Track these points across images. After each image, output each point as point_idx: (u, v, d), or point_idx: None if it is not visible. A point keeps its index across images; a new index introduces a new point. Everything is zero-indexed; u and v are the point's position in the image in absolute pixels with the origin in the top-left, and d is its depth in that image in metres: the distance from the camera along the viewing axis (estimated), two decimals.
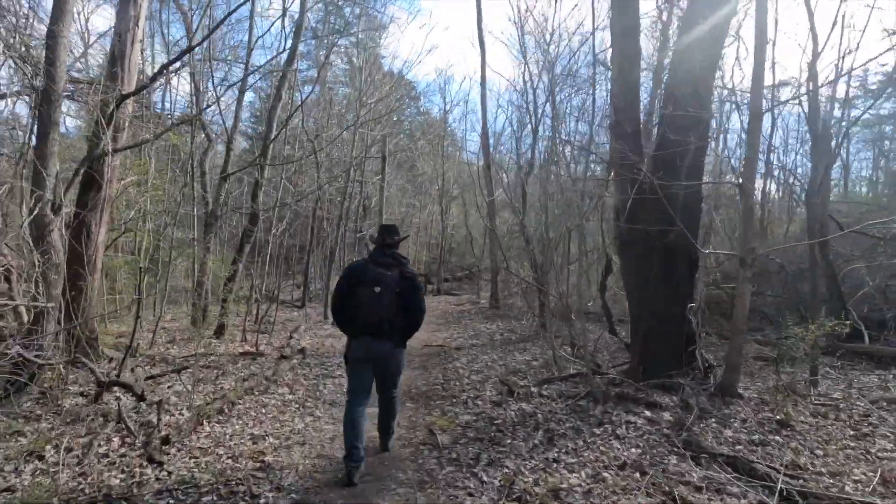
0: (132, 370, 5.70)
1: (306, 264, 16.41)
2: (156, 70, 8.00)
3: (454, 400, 5.43)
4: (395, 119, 17.15)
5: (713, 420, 4.13)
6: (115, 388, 4.71)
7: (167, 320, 11.14)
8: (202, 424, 4.20)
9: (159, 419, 3.94)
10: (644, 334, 5.18)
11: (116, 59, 6.09)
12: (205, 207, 9.44)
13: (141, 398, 4.36)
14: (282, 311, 15.78)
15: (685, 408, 4.32)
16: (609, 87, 7.36)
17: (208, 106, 8.93)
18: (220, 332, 9.32)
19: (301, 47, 27.99)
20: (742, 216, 4.49)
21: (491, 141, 13.45)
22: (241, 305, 13.89)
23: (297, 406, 5.16)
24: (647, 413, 4.33)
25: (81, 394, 4.90)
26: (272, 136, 9.12)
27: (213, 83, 9.46)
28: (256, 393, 5.48)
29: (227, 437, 4.11)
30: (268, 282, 21.53)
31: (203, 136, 10.43)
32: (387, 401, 3.69)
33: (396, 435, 4.06)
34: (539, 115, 9.58)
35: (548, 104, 9.88)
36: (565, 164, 7.68)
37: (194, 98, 9.47)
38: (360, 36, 14.94)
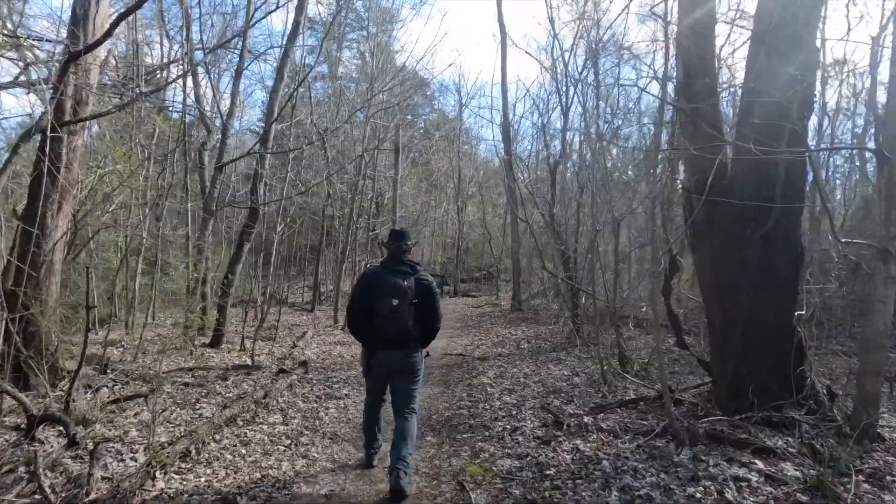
0: (92, 393, 4.63)
1: (316, 265, 15.38)
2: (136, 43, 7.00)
3: (486, 433, 4.25)
4: (407, 109, 16.06)
5: (861, 477, 2.90)
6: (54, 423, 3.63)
7: (167, 327, 10.18)
8: (155, 478, 3.10)
9: (90, 475, 2.84)
10: (735, 350, 3.94)
11: (78, 18, 5.05)
12: (204, 202, 8.43)
13: (72, 442, 3.26)
14: (290, 314, 14.77)
15: (812, 456, 3.09)
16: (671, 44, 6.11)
17: (193, 66, 7.84)
18: (216, 341, 8.28)
19: (311, 40, 26.78)
20: (884, 193, 3.25)
21: (513, 128, 12.22)
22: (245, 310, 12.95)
23: (288, 442, 4.03)
24: (760, 464, 3.11)
25: (17, 427, 3.85)
26: (272, 120, 8.05)
27: (209, 70, 8.44)
28: (241, 423, 4.37)
29: (186, 496, 2.99)
30: (273, 284, 20.67)
31: (201, 125, 9.40)
32: (403, 421, 3.25)
33: (413, 478, 3.24)
34: (571, 95, 8.38)
35: (585, 75, 8.64)
36: (611, 142, 6.41)
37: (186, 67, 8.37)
38: (370, 28, 13.86)
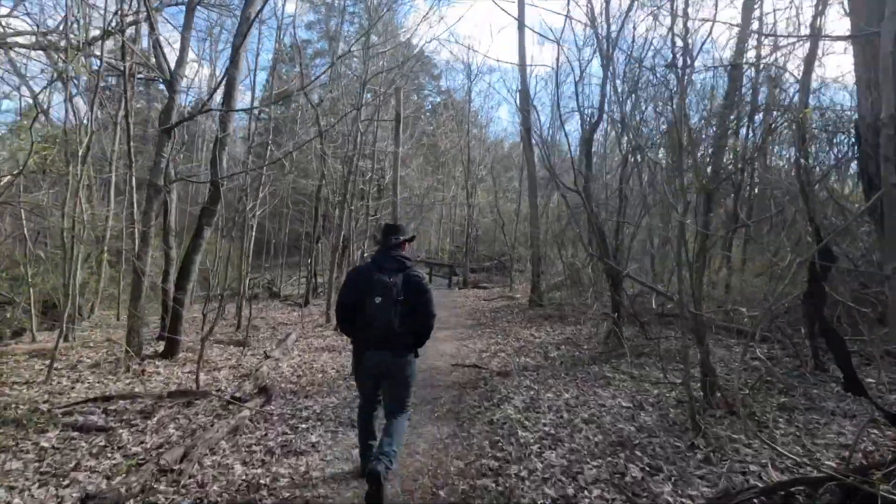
0: None
1: (310, 254, 13.59)
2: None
3: None
4: (410, 82, 14.12)
5: None
6: None
7: (112, 333, 8.46)
8: None
9: None
10: None
11: None
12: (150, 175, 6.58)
13: None
14: (280, 310, 13.02)
15: None
16: None
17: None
18: (170, 350, 6.52)
19: (311, 16, 24.52)
20: None
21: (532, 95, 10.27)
22: (222, 307, 11.22)
23: None
24: None
25: None
26: (236, 71, 6.19)
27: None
28: None
29: None
30: (263, 275, 18.89)
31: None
32: (391, 420, 3.01)
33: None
34: (614, 38, 6.38)
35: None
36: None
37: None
38: None
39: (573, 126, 26.05)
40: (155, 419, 4.13)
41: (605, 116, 7.18)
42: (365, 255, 11.11)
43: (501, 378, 5.93)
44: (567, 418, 4.29)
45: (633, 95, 6.94)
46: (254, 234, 9.44)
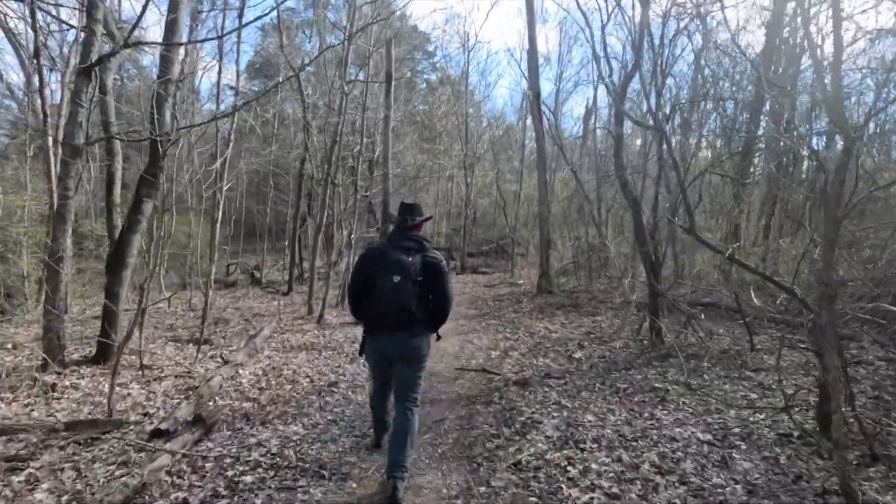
0: None
1: (292, 237, 12.15)
2: None
3: None
4: (403, 54, 12.56)
5: None
6: None
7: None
8: None
9: None
10: None
11: None
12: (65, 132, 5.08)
13: None
14: (259, 299, 11.60)
15: None
16: None
17: None
18: (102, 354, 5.14)
19: None
20: None
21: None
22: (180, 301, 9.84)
23: None
24: None
25: None
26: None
27: None
28: None
29: None
30: (242, 259, 17.40)
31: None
32: (402, 418, 2.83)
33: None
34: None
35: None
36: None
37: None
38: None
39: (576, 101, 24.45)
40: (25, 473, 2.76)
41: (644, 62, 5.72)
42: (353, 236, 9.69)
43: (520, 389, 4.61)
44: (628, 461, 2.97)
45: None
46: (221, 213, 7.98)
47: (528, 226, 18.22)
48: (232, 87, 21.01)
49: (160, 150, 5.05)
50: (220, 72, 8.61)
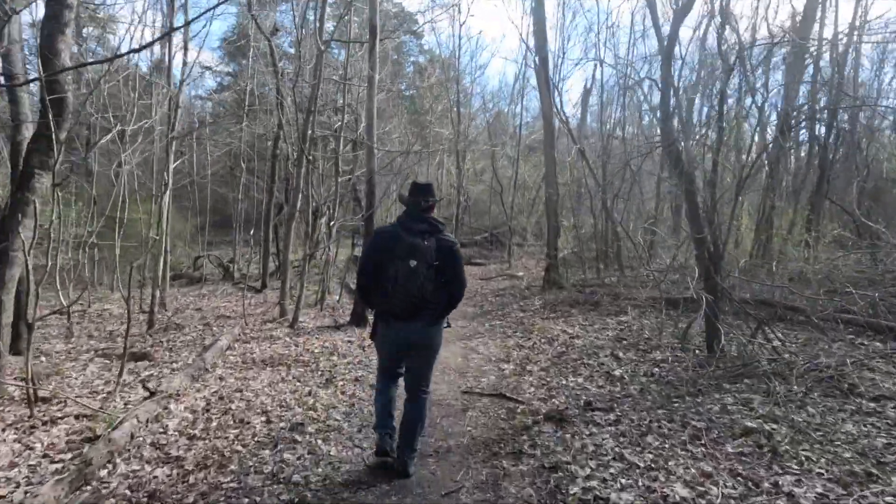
0: None
1: (266, 227, 10.67)
2: None
3: None
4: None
5: None
6: None
7: None
8: None
9: None
10: None
11: None
12: None
13: None
14: (229, 297, 10.13)
15: None
16: None
17: None
18: None
19: None
20: None
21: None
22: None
23: None
24: None
25: None
26: None
27: None
28: None
29: None
30: (204, 253, 15.79)
31: None
32: (414, 405, 2.76)
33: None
34: None
35: None
36: None
37: None
38: None
39: (574, 81, 23.26)
40: None
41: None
42: (333, 224, 8.27)
43: (556, 428, 3.30)
44: None
45: None
46: (169, 197, 6.51)
47: (525, 213, 16.92)
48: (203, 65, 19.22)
49: (64, 103, 3.58)
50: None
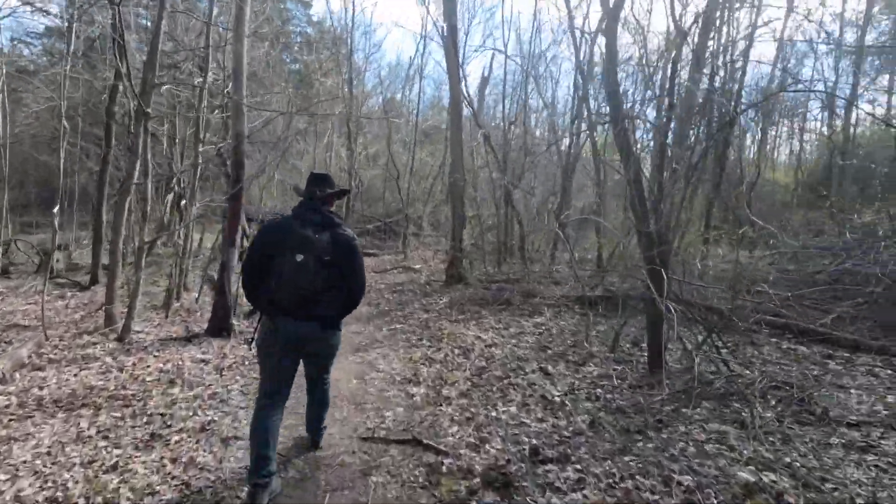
0: None
1: (97, 205, 8.24)
2: None
3: None
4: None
5: None
6: None
7: None
8: None
9: None
10: None
11: None
12: None
13: None
14: (43, 298, 7.59)
15: None
16: None
17: None
18: None
19: None
20: None
21: None
22: None
23: None
24: None
25: None
26: None
27: None
28: None
29: None
30: (11, 239, 12.35)
31: None
32: (318, 395, 2.75)
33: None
34: None
35: None
36: None
37: None
38: None
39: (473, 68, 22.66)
40: None
41: None
42: (187, 203, 6.41)
43: (501, 500, 2.27)
44: None
45: None
46: None
47: (421, 201, 15.93)
48: None
49: None
50: None
